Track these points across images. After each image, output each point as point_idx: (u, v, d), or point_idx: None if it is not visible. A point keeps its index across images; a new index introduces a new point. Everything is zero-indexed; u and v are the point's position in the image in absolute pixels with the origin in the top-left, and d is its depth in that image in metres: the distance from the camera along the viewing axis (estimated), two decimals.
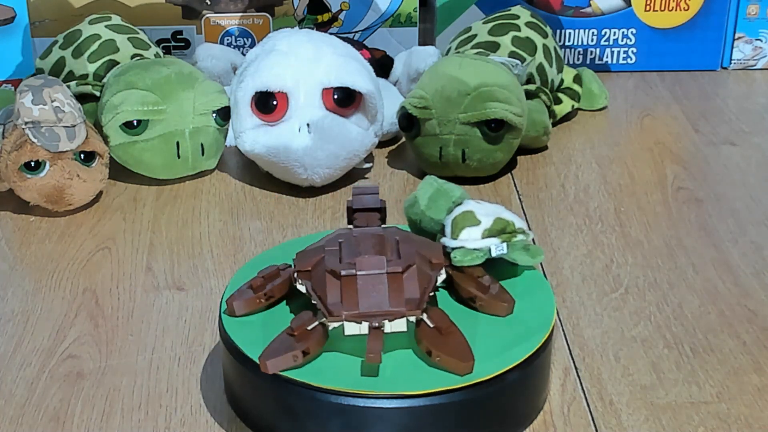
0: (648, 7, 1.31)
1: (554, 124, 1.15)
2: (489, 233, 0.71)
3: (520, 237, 0.71)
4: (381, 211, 0.74)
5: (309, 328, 0.65)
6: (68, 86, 1.01)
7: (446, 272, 0.70)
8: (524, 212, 0.98)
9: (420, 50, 1.19)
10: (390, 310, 0.64)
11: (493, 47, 1.12)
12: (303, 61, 1.00)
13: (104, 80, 1.06)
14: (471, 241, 0.70)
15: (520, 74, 1.07)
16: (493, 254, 0.70)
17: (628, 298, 0.83)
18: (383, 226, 0.73)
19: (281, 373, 0.63)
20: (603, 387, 0.72)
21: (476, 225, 0.71)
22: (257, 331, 0.68)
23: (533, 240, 0.75)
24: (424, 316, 0.65)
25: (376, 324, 0.64)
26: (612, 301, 0.82)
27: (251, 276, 0.74)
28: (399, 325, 0.65)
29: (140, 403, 0.71)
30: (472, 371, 0.63)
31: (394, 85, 1.19)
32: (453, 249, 0.71)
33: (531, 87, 1.10)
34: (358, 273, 0.65)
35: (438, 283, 0.70)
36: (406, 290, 0.65)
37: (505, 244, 0.70)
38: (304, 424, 0.64)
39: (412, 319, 0.65)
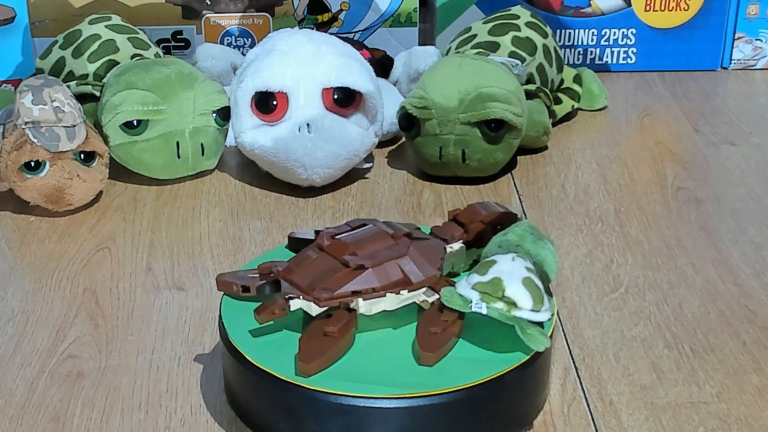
0: (648, 7, 1.31)
1: (554, 124, 1.15)
2: (480, 287, 0.66)
3: (522, 313, 0.65)
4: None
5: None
6: (68, 86, 1.01)
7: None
8: (524, 212, 0.98)
9: (420, 50, 1.19)
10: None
11: (493, 47, 1.12)
12: (303, 61, 1.00)
13: (104, 80, 1.06)
14: (463, 287, 0.67)
15: (520, 74, 1.07)
16: (473, 309, 0.66)
17: (628, 298, 0.83)
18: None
19: (281, 374, 0.64)
20: (603, 387, 0.72)
21: (481, 275, 0.67)
22: (257, 331, 0.68)
23: (553, 318, 0.68)
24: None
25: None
26: (612, 301, 0.82)
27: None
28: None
29: (140, 403, 0.71)
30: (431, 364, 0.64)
31: (394, 85, 1.19)
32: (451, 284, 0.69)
33: (531, 87, 1.10)
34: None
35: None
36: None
37: (483, 304, 0.65)
38: (304, 424, 0.64)
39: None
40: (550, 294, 0.69)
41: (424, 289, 0.69)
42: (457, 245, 0.73)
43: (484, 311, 0.65)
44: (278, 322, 0.68)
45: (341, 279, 0.67)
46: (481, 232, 0.74)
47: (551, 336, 0.68)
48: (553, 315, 0.67)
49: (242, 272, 0.72)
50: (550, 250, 0.70)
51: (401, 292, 0.67)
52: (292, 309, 0.66)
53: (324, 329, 0.65)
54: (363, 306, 0.67)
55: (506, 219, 0.75)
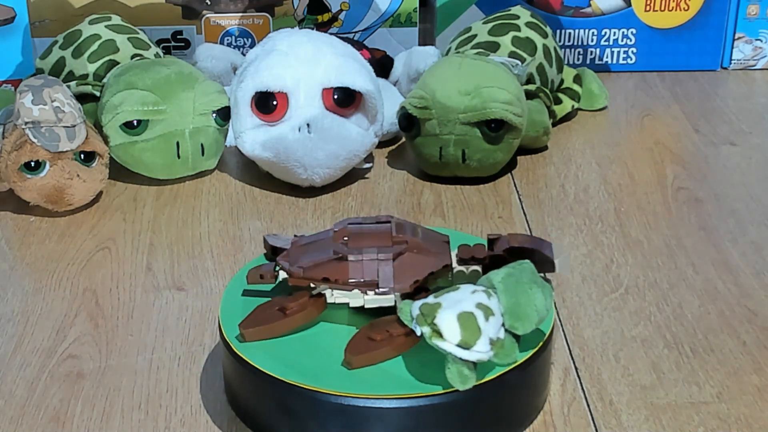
0: (648, 7, 1.31)
1: (554, 124, 1.15)
2: (422, 308, 0.63)
3: (445, 345, 0.61)
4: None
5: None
6: (68, 86, 1.01)
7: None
8: (524, 212, 0.98)
9: (420, 50, 1.19)
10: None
11: (493, 47, 1.12)
12: (303, 61, 1.00)
13: (104, 80, 1.06)
14: (417, 304, 0.64)
15: (520, 74, 1.07)
16: (412, 326, 0.64)
17: (628, 298, 0.83)
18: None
19: (281, 376, 0.64)
20: (603, 387, 0.72)
21: (435, 296, 0.65)
22: None
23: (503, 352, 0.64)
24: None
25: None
26: (612, 301, 0.82)
27: None
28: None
29: (140, 403, 0.71)
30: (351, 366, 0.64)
31: (394, 85, 1.19)
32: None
33: (531, 87, 1.10)
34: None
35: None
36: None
37: (417, 325, 0.63)
38: (304, 425, 0.64)
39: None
40: (515, 339, 0.64)
41: (397, 296, 0.67)
42: (472, 267, 0.70)
43: (418, 332, 0.63)
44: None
45: (320, 263, 0.67)
46: (500, 259, 0.69)
47: (550, 336, 0.68)
48: (499, 361, 0.63)
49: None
50: (535, 298, 0.64)
51: (368, 292, 0.67)
52: (279, 279, 0.69)
53: (282, 303, 0.67)
54: (329, 294, 0.68)
55: (531, 254, 0.69)
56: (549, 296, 0.65)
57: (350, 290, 0.67)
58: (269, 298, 0.70)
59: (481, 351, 0.62)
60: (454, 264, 0.70)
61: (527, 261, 0.67)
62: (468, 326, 0.61)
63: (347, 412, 0.62)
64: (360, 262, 0.67)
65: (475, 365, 0.62)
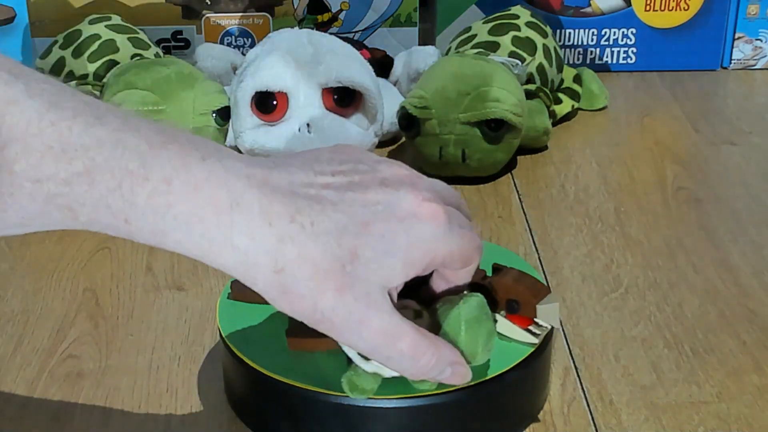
0: (648, 7, 1.31)
1: (554, 124, 1.15)
2: None
3: (349, 351, 0.60)
4: None
5: None
6: None
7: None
8: (524, 212, 0.98)
9: (420, 50, 1.19)
10: None
11: (493, 47, 1.12)
12: (303, 61, 1.00)
13: (104, 80, 1.06)
14: None
15: (520, 74, 1.07)
16: None
17: (628, 298, 0.83)
18: None
19: (281, 376, 0.64)
20: (603, 387, 0.72)
21: None
22: (256, 331, 0.68)
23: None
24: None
25: None
26: (612, 301, 0.82)
27: None
28: None
29: (140, 403, 0.71)
30: None
31: (394, 85, 1.19)
32: None
33: (531, 87, 1.10)
34: None
35: None
36: None
37: None
38: (304, 425, 0.64)
39: None
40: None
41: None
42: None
43: None
44: (278, 323, 0.68)
45: None
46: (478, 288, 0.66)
47: (550, 336, 0.68)
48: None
49: None
50: (477, 334, 0.60)
51: None
52: None
53: None
54: None
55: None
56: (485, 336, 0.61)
57: None
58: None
59: (379, 368, 0.59)
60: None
61: (478, 295, 0.62)
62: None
63: (347, 412, 0.62)
64: None
65: (374, 380, 0.60)
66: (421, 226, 0.56)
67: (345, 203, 0.56)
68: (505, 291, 0.64)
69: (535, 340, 0.64)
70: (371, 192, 0.57)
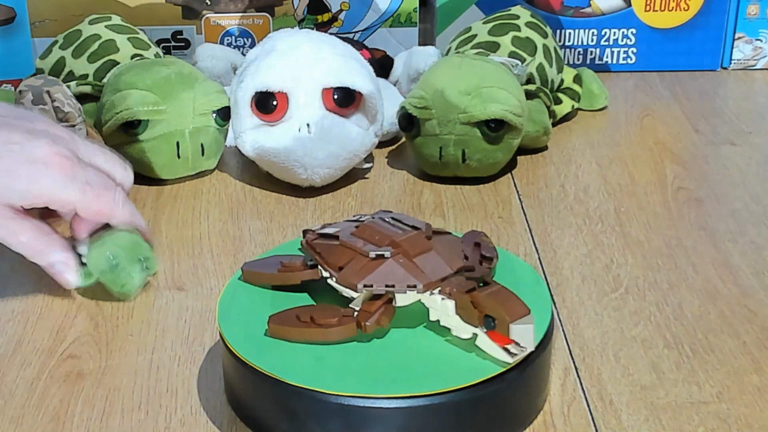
0: (648, 7, 1.31)
1: (554, 124, 1.15)
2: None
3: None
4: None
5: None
6: (68, 86, 1.01)
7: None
8: (524, 212, 0.98)
9: (420, 50, 1.19)
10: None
11: (493, 47, 1.12)
12: (303, 61, 1.00)
13: (104, 80, 1.06)
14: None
15: (520, 74, 1.07)
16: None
17: (628, 298, 0.83)
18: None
19: (281, 376, 0.64)
20: (603, 387, 0.72)
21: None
22: (256, 331, 0.68)
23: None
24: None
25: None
26: (612, 301, 0.82)
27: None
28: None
29: (140, 403, 0.71)
30: None
31: (394, 85, 1.19)
32: None
33: (531, 87, 1.10)
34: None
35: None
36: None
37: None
38: (304, 425, 0.64)
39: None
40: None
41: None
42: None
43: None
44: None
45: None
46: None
47: (550, 336, 0.68)
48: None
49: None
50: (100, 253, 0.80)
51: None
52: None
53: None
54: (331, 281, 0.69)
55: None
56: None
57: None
58: (266, 297, 0.70)
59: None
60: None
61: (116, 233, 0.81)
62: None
63: (347, 412, 0.62)
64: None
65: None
66: (44, 172, 0.74)
67: None
68: (483, 306, 0.63)
69: (509, 360, 0.63)
70: (15, 134, 0.75)
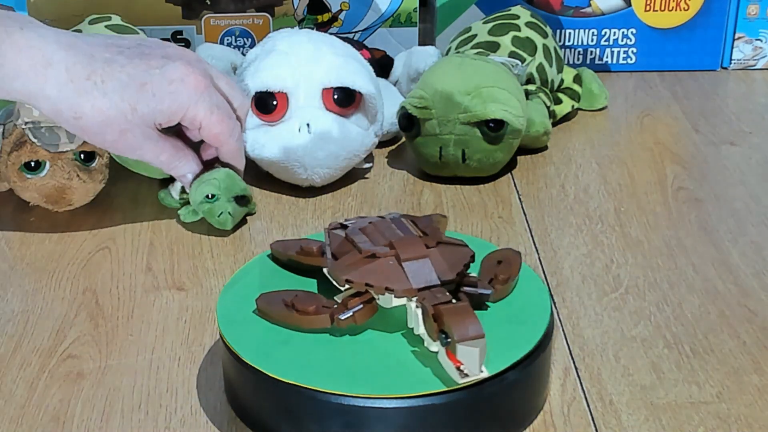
0: (648, 7, 1.31)
1: (554, 124, 1.15)
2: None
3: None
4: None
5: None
6: None
7: None
8: (524, 212, 0.98)
9: (420, 50, 1.19)
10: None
11: (493, 47, 1.12)
12: (303, 61, 1.00)
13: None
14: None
15: (520, 74, 1.07)
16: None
17: (628, 298, 0.83)
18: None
19: (281, 376, 0.64)
20: (603, 387, 0.72)
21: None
22: (256, 331, 0.68)
23: None
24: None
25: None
26: (612, 301, 0.82)
27: (251, 276, 0.74)
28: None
29: (140, 403, 0.71)
30: None
31: (394, 85, 1.19)
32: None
33: (531, 87, 1.10)
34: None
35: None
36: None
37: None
38: (304, 424, 0.64)
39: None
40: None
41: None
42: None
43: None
44: (274, 321, 0.68)
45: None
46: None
47: (550, 336, 0.68)
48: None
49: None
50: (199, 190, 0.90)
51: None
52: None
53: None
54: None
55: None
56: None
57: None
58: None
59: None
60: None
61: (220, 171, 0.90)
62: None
63: (347, 412, 0.62)
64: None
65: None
66: (182, 88, 0.81)
67: (130, 66, 0.80)
68: (441, 321, 0.62)
69: (459, 381, 0.62)
70: (153, 60, 0.81)
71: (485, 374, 0.62)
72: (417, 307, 0.65)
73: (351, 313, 0.66)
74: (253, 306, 0.70)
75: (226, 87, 0.87)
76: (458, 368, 0.62)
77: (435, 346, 0.64)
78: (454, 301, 0.64)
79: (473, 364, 0.61)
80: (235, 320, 0.69)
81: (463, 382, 0.62)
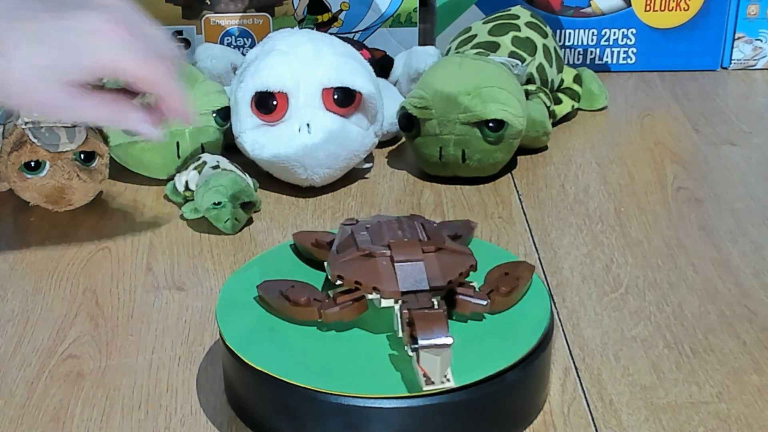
0: (648, 7, 1.31)
1: (554, 124, 1.15)
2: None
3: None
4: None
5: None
6: None
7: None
8: (524, 212, 0.98)
9: (420, 50, 1.19)
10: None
11: (493, 47, 1.12)
12: (303, 61, 1.00)
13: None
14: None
15: (520, 74, 1.07)
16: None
17: (628, 298, 0.83)
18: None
19: (281, 376, 0.64)
20: (603, 387, 0.72)
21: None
22: (255, 331, 0.68)
23: None
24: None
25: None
26: (612, 301, 0.82)
27: (251, 276, 0.74)
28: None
29: (140, 403, 0.71)
30: None
31: (394, 85, 1.19)
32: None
33: (531, 87, 1.10)
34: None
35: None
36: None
37: None
38: (304, 424, 0.64)
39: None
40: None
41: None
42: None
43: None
44: (277, 321, 0.68)
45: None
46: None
47: (550, 336, 0.68)
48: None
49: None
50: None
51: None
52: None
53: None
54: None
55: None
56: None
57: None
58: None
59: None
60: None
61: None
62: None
63: (347, 412, 0.62)
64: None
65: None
66: (101, 41, 0.73)
67: (40, 22, 0.73)
68: (413, 326, 0.62)
69: (424, 388, 0.61)
70: (67, 13, 0.73)
71: (450, 384, 0.62)
72: (399, 309, 0.65)
73: (338, 309, 0.66)
74: (253, 305, 0.70)
75: (151, 33, 0.78)
76: (424, 375, 0.61)
77: (411, 350, 0.63)
78: (437, 307, 0.63)
79: (434, 372, 0.61)
80: (235, 320, 0.69)
81: (427, 389, 0.61)
